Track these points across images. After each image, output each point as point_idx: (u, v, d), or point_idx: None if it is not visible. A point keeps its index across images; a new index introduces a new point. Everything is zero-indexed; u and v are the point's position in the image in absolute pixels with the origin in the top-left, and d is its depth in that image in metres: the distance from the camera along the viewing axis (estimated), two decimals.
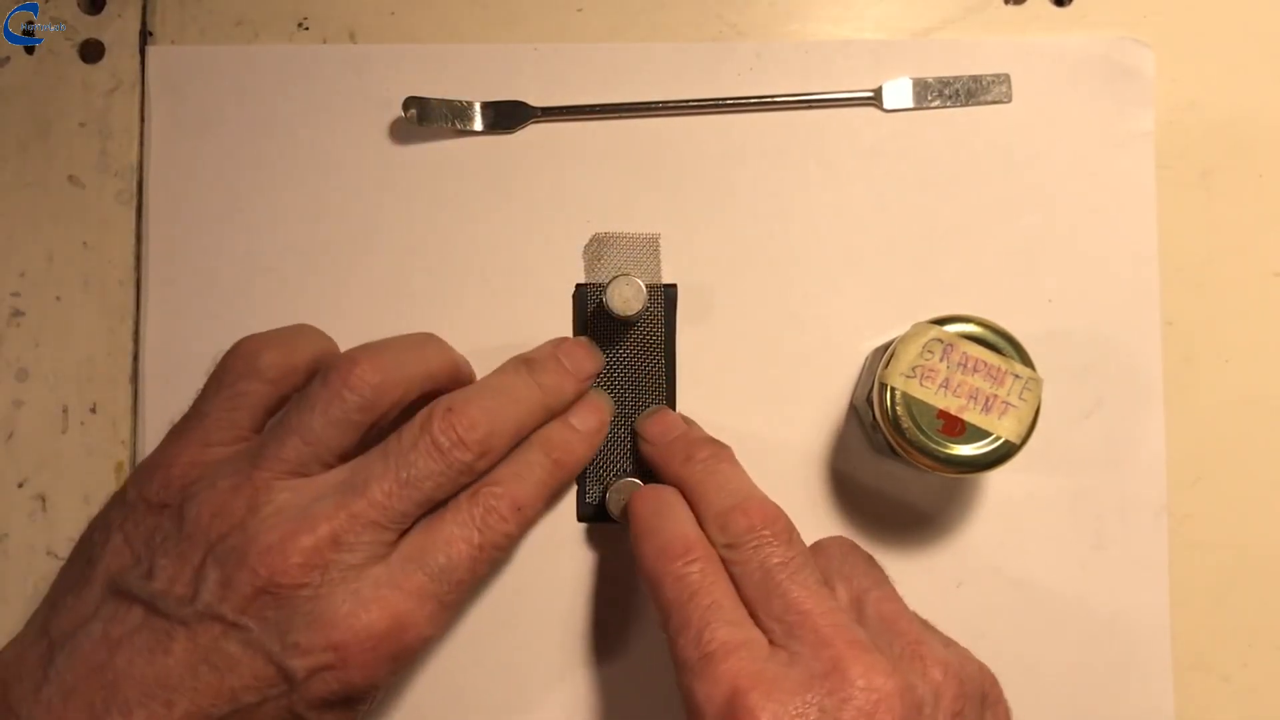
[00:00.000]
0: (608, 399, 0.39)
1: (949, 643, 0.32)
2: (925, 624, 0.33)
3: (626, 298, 0.38)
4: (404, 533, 0.33)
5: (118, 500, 0.34)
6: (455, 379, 0.37)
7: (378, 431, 0.35)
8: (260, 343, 0.35)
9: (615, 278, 0.38)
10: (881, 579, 0.34)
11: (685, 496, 0.35)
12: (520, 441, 0.36)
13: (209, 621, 0.31)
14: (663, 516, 0.34)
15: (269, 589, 0.31)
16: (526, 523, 0.35)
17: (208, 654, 0.31)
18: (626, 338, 0.40)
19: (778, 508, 0.33)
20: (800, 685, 0.28)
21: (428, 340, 0.37)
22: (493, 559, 0.34)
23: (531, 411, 0.36)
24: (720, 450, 0.36)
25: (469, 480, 0.34)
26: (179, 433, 0.35)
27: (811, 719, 0.28)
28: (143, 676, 0.30)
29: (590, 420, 0.38)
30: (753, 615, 0.31)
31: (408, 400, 0.35)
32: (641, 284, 0.38)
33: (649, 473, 0.39)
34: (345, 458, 0.34)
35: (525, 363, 0.38)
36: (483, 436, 0.34)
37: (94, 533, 0.34)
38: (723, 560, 0.32)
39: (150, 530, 0.33)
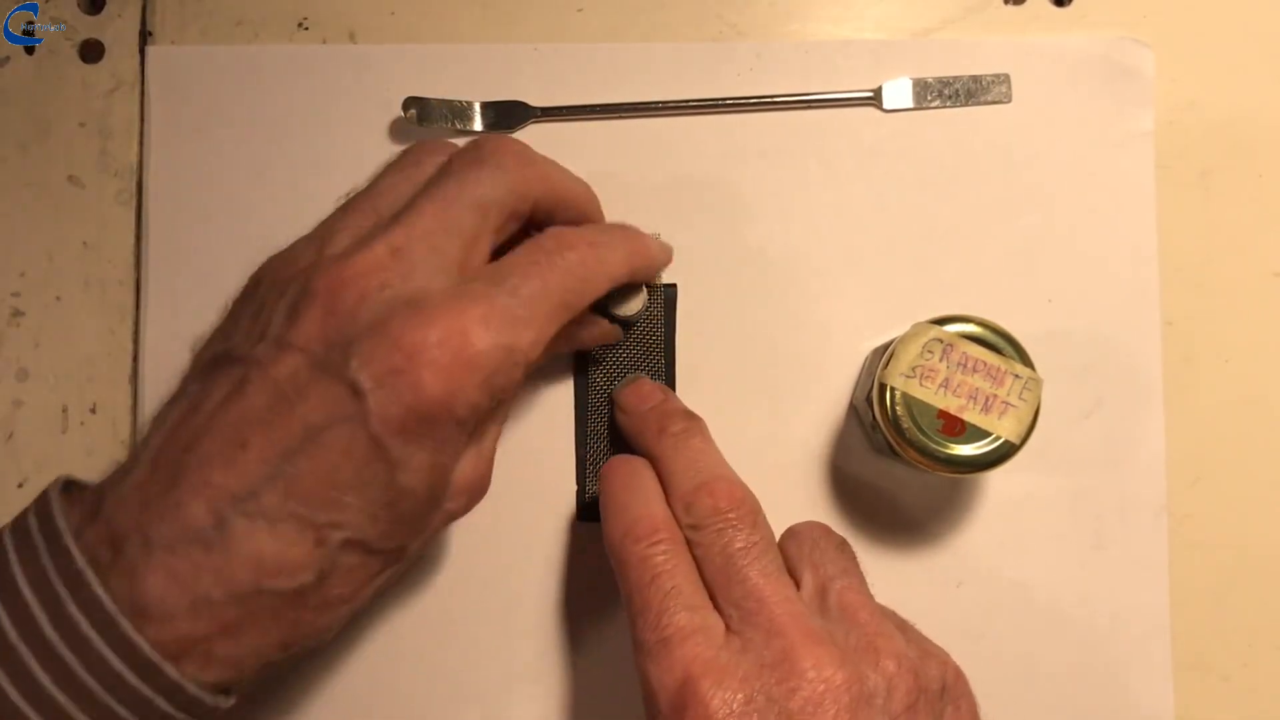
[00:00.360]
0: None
1: (912, 635, 0.32)
2: (888, 615, 0.32)
3: (626, 298, 0.38)
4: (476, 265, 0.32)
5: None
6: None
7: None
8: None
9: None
10: (849, 567, 0.33)
11: (656, 470, 0.35)
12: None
13: (278, 352, 0.29)
14: (631, 491, 0.34)
15: (331, 309, 0.29)
16: (603, 277, 0.33)
17: (279, 386, 0.29)
18: (626, 338, 0.40)
19: (745, 488, 0.33)
20: (751, 673, 0.29)
21: (587, 188, 0.37)
22: (565, 289, 0.32)
23: (585, 190, 0.36)
24: (693, 424, 0.36)
25: (522, 193, 0.33)
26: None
27: (759, 707, 0.28)
28: (220, 425, 0.29)
29: (665, 248, 0.38)
30: (713, 599, 0.31)
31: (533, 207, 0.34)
32: (641, 284, 0.38)
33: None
34: None
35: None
36: (521, 152, 0.33)
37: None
38: (687, 540, 0.32)
39: (239, 305, 0.33)
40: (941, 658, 0.32)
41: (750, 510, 0.32)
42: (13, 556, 0.28)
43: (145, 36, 0.42)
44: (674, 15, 0.41)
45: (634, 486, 0.34)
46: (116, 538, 0.28)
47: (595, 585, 0.40)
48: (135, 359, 0.41)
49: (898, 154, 0.40)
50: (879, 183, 0.40)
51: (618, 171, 0.41)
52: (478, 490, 0.33)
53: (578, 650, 0.39)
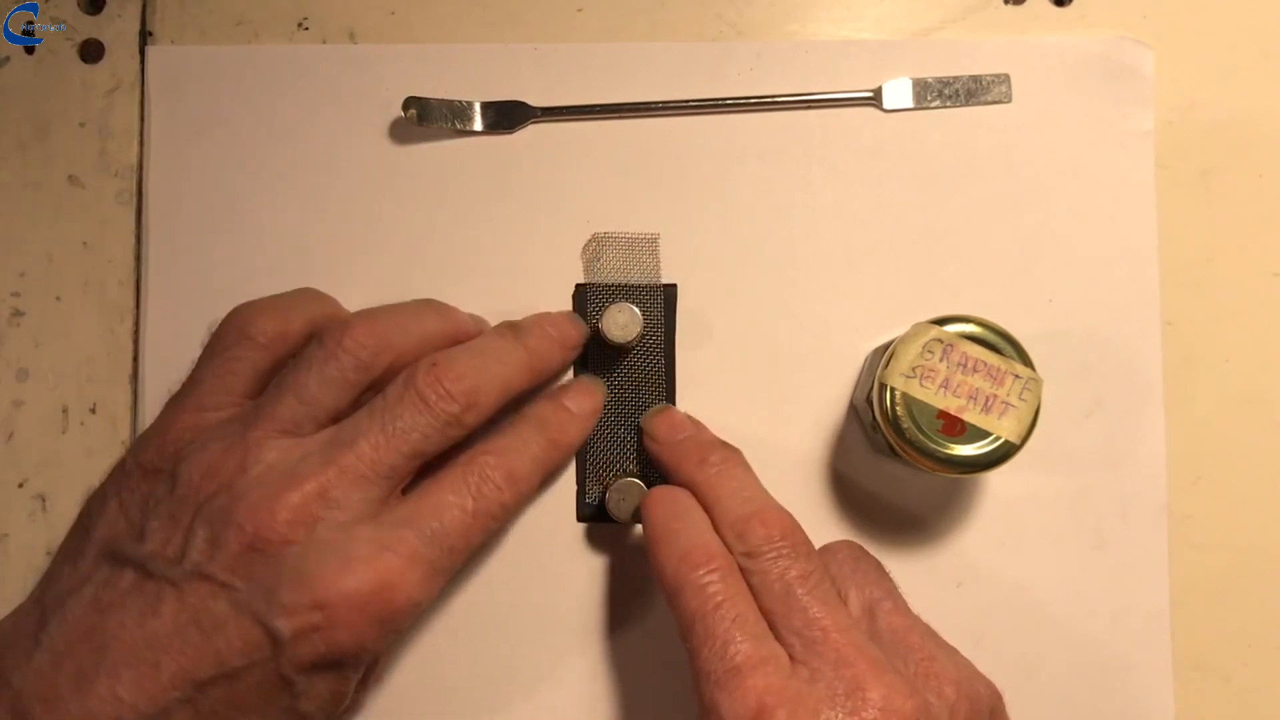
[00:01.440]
0: (601, 385, 0.39)
1: (955, 656, 0.32)
2: (933, 635, 0.33)
3: (622, 324, 0.38)
4: (399, 495, 0.33)
5: (116, 470, 0.35)
6: (454, 342, 0.37)
7: (374, 395, 0.35)
8: (254, 309, 0.35)
9: (609, 305, 0.38)
10: (892, 589, 0.34)
11: (698, 499, 0.35)
12: (510, 407, 0.36)
13: (197, 581, 0.31)
14: (682, 521, 0.34)
15: (256, 546, 0.31)
16: (521, 497, 0.35)
17: (196, 615, 0.30)
18: None
19: (793, 518, 0.33)
20: (822, 703, 0.29)
21: (426, 305, 0.37)
22: (486, 528, 0.34)
23: (518, 371, 0.36)
24: (733, 454, 0.36)
25: (458, 434, 0.34)
26: (175, 401, 0.35)
27: None
28: (132, 639, 0.30)
29: (584, 403, 0.38)
30: (771, 627, 0.31)
31: (403, 363, 0.35)
32: (636, 310, 0.38)
33: (651, 472, 0.39)
34: (340, 420, 0.34)
35: (510, 327, 0.37)
36: (468, 388, 0.34)
37: (92, 503, 0.34)
38: (743, 570, 0.32)
39: (145, 496, 0.33)
40: (985, 679, 0.32)
41: (803, 539, 0.33)
42: None
43: (145, 36, 0.42)
44: (674, 15, 0.41)
45: (682, 515, 0.34)
46: (20, 713, 0.30)
47: (595, 585, 0.40)
48: (135, 359, 0.41)
49: (898, 154, 0.40)
50: (879, 183, 0.40)
51: (618, 171, 0.41)
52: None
53: (578, 650, 0.39)
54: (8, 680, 0.30)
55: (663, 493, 0.36)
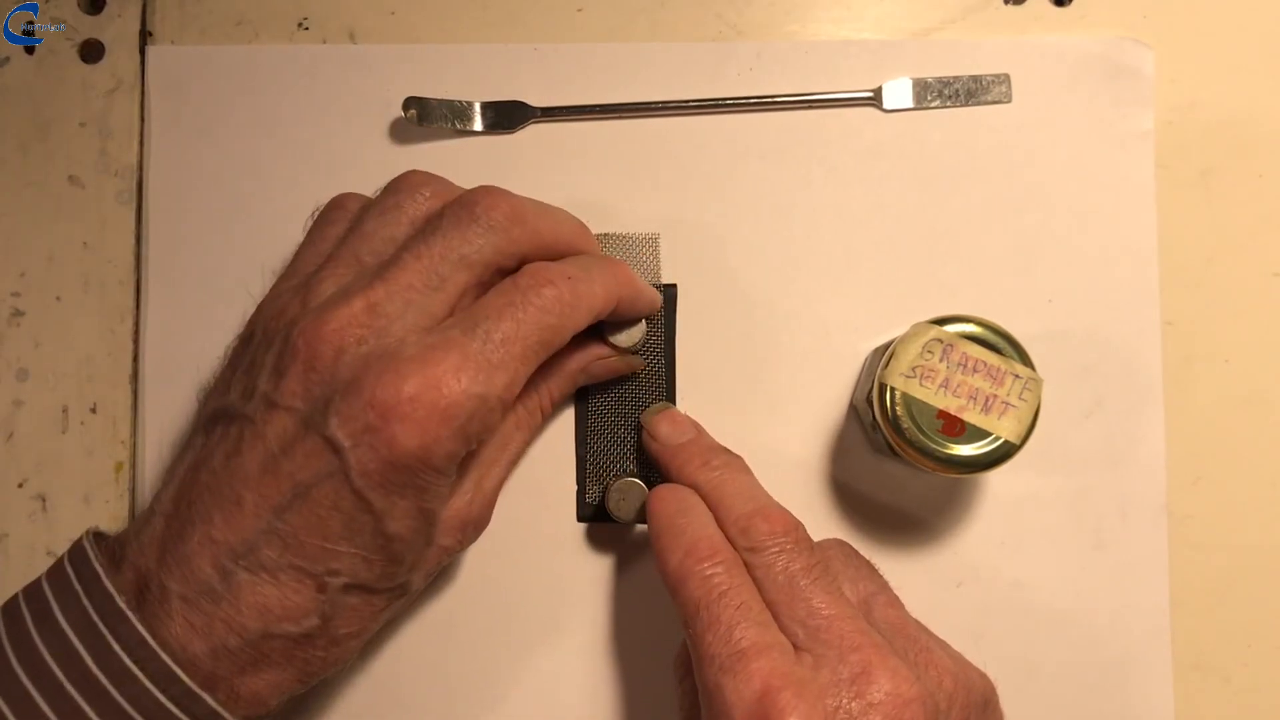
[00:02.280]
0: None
1: (949, 649, 0.33)
2: (926, 629, 0.33)
3: (625, 328, 0.38)
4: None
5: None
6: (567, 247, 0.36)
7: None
8: (350, 194, 0.36)
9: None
10: (883, 584, 0.35)
11: (702, 498, 0.35)
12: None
13: (266, 411, 0.31)
14: (687, 516, 0.34)
15: (312, 365, 0.31)
16: (577, 298, 0.33)
17: (268, 444, 0.31)
18: None
19: (795, 517, 0.33)
20: (828, 688, 0.29)
21: (579, 228, 0.37)
22: (541, 322, 0.32)
23: (570, 225, 0.36)
24: (735, 459, 0.37)
25: (507, 246, 0.33)
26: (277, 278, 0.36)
27: None
28: (218, 482, 0.31)
29: (653, 291, 0.38)
30: (775, 618, 0.31)
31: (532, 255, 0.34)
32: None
33: (651, 472, 0.39)
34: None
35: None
36: (511, 209, 0.33)
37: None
38: (747, 565, 0.33)
39: (235, 358, 0.34)
40: (980, 671, 0.33)
41: (805, 536, 0.33)
42: (53, 600, 0.30)
43: (145, 36, 0.42)
44: (674, 15, 0.41)
45: (687, 511, 0.34)
46: (140, 585, 0.30)
47: (595, 585, 0.40)
48: (135, 359, 0.41)
49: (898, 154, 0.40)
50: (879, 183, 0.40)
51: (618, 171, 0.41)
52: (472, 527, 0.35)
53: (578, 649, 0.39)
54: (129, 557, 0.31)
55: (668, 490, 0.36)
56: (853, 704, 0.29)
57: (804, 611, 0.31)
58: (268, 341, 0.32)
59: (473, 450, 0.32)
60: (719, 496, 0.35)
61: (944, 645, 0.33)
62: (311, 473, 0.30)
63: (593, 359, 0.38)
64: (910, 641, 0.32)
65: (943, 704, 0.30)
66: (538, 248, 0.34)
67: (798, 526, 0.33)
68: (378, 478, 0.30)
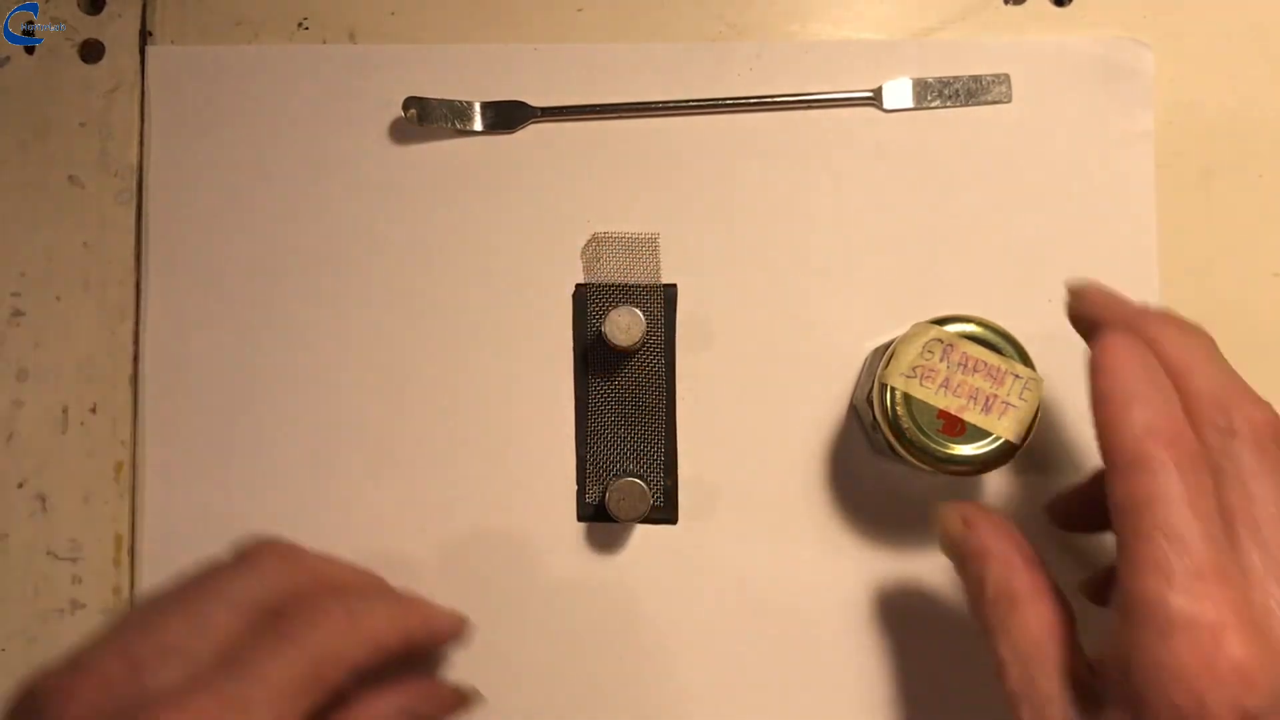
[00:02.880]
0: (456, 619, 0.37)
1: None
2: None
3: (625, 327, 0.38)
4: None
5: None
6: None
7: None
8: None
9: (611, 309, 0.38)
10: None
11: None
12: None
13: None
14: (1150, 384, 0.29)
15: None
16: (354, 639, 0.31)
17: None
18: None
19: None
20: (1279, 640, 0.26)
21: (366, 574, 0.35)
22: (313, 661, 0.30)
23: (359, 573, 0.35)
24: (1204, 331, 0.31)
25: (284, 588, 0.32)
26: None
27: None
28: None
29: (454, 619, 0.36)
30: (1230, 526, 0.27)
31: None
32: (638, 313, 0.38)
33: (651, 472, 0.39)
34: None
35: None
36: (288, 551, 0.33)
37: None
38: (1209, 450, 0.28)
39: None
40: None
41: None
42: None
43: (145, 36, 0.42)
44: (674, 15, 0.41)
45: (1152, 380, 0.29)
46: None
47: (595, 585, 0.40)
48: (135, 359, 0.41)
49: (898, 154, 0.40)
50: (879, 183, 0.40)
51: (618, 171, 0.41)
52: None
53: (577, 649, 0.39)
54: None
55: (1124, 342, 0.30)
56: None
57: (1270, 538, 0.27)
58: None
59: None
60: (1188, 365, 0.29)
61: None
62: None
63: (418, 698, 0.35)
64: None
65: None
66: (317, 586, 0.32)
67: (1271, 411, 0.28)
68: None
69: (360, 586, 0.34)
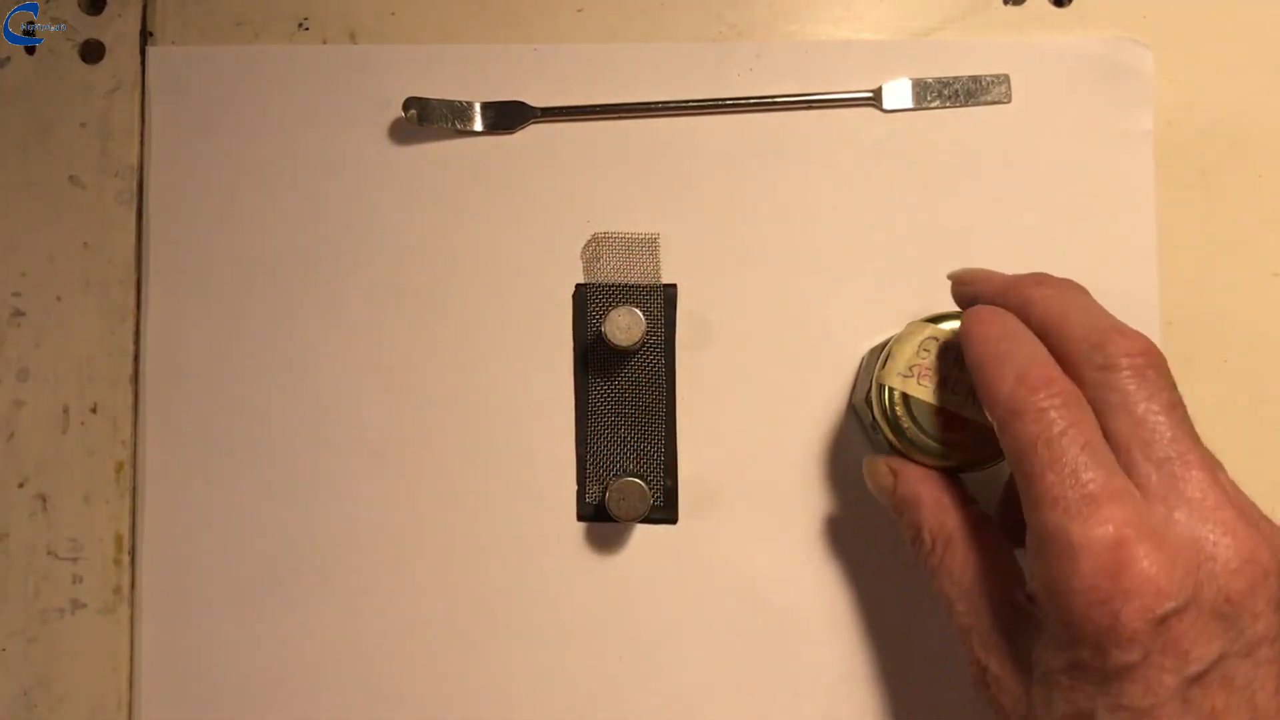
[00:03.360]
0: None
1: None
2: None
3: (624, 327, 0.38)
4: None
5: None
6: None
7: None
8: None
9: (611, 309, 0.38)
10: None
11: (1037, 320, 0.32)
12: None
13: None
14: (1014, 341, 0.31)
15: None
16: None
17: None
18: None
19: (1142, 336, 0.30)
20: (1186, 547, 0.27)
21: None
22: None
23: None
24: (1075, 283, 0.33)
25: None
26: None
27: (1197, 583, 0.26)
28: None
29: None
30: (1121, 454, 0.28)
31: None
32: (638, 313, 0.38)
33: (650, 474, 0.39)
34: None
35: None
36: None
37: None
38: (1092, 387, 0.29)
39: None
40: None
41: (1168, 368, 0.30)
42: None
43: (145, 36, 0.42)
44: (674, 15, 0.41)
45: (1013, 335, 0.31)
46: None
47: (595, 585, 0.40)
48: (135, 359, 0.41)
49: (898, 154, 0.40)
50: (879, 183, 0.40)
51: (618, 171, 0.41)
52: None
53: (577, 649, 0.39)
54: None
55: (987, 311, 0.32)
56: (1213, 566, 0.26)
57: (1163, 453, 0.28)
58: None
59: None
60: (1062, 314, 0.31)
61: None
62: None
63: None
64: (1253, 508, 0.28)
65: None
66: None
67: (1161, 355, 0.30)
68: None
69: None
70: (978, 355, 0.31)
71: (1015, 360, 0.30)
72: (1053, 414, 0.29)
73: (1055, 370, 0.30)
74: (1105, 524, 0.27)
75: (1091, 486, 0.27)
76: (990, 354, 0.31)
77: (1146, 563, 0.26)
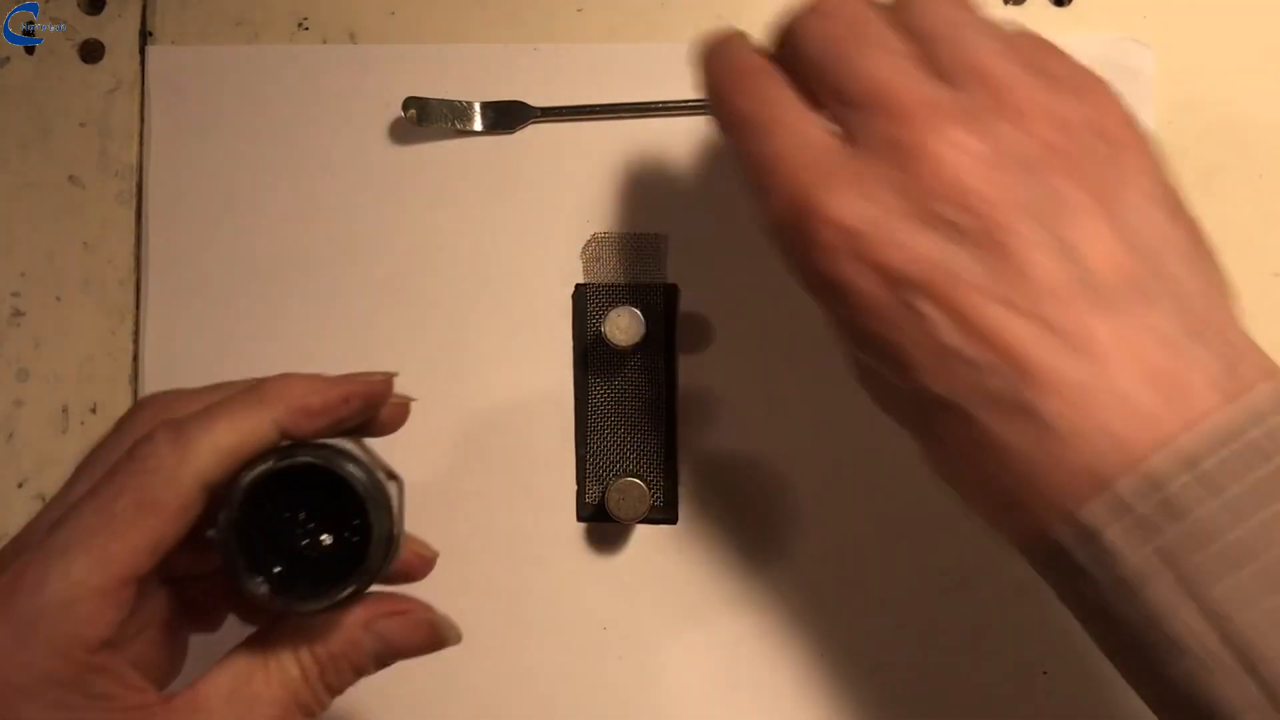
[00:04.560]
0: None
1: (1058, 75, 0.28)
2: (1018, 45, 0.28)
3: (624, 327, 0.38)
4: None
5: None
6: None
7: None
8: None
9: (611, 309, 0.38)
10: (959, 18, 0.28)
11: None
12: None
13: None
14: (724, 50, 0.31)
15: None
16: (176, 459, 0.27)
17: None
18: None
19: None
20: (872, 170, 0.25)
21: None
22: (131, 492, 0.27)
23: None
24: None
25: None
26: None
27: (889, 203, 0.25)
28: None
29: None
30: (825, 110, 0.27)
31: None
32: (638, 313, 0.38)
33: (651, 472, 0.39)
34: None
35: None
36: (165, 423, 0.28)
37: None
38: (788, 66, 0.29)
39: None
40: (1098, 97, 0.28)
41: (849, 3, 0.28)
42: None
43: (145, 36, 0.42)
44: (674, 15, 0.41)
45: (724, 48, 0.31)
46: None
47: (595, 585, 0.40)
48: (135, 359, 0.41)
49: None
50: None
51: (618, 171, 0.41)
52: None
53: (577, 649, 0.39)
54: None
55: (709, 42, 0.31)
56: (901, 177, 0.25)
57: (850, 87, 0.27)
58: None
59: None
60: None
61: (1050, 62, 0.28)
62: None
63: (378, 615, 0.30)
64: (982, 81, 0.26)
65: (1021, 144, 0.25)
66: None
67: None
68: None
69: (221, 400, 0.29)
70: (703, 87, 0.30)
71: (721, 63, 0.30)
72: (743, 85, 0.28)
73: (752, 58, 0.29)
74: (782, 184, 0.26)
75: (769, 149, 0.27)
76: (706, 71, 0.30)
77: (827, 204, 0.25)
